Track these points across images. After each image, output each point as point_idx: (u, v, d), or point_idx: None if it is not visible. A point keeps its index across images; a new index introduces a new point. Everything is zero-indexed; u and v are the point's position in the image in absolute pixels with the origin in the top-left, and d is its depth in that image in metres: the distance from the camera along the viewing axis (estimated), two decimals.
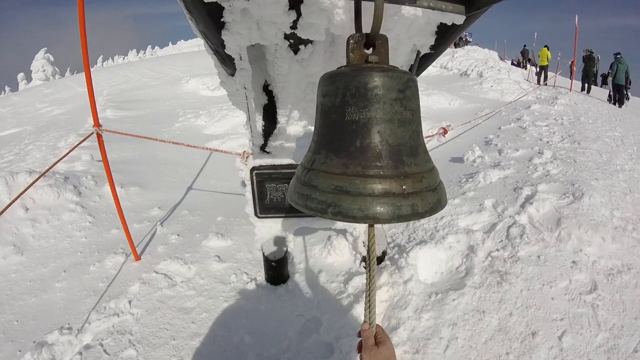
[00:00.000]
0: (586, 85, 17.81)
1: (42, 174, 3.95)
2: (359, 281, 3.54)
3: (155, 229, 5.02)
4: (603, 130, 8.52)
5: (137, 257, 4.28)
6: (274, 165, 3.13)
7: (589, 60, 18.48)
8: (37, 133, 11.42)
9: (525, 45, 27.84)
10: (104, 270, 4.18)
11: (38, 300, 3.83)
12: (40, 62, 45.49)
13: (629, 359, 2.61)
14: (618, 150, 6.72)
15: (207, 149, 4.16)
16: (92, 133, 3.82)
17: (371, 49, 1.05)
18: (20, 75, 48.36)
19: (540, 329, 2.85)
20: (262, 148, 3.17)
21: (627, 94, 15.52)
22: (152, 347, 3.11)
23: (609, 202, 4.31)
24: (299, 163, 1.14)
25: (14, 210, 4.90)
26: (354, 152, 0.96)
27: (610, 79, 15.77)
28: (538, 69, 20.44)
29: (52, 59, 46.35)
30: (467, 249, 3.76)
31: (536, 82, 19.06)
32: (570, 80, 17.96)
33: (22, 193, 3.62)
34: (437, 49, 2.23)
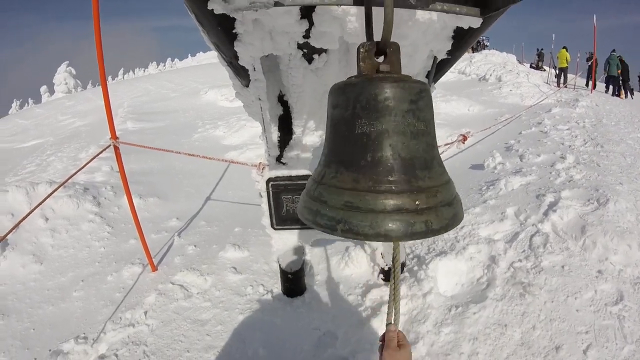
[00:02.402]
0: (590, 82, 18.68)
1: (60, 185, 3.99)
2: (377, 294, 3.47)
3: (173, 239, 5.04)
4: (626, 132, 8.33)
5: (154, 268, 4.29)
6: (290, 176, 3.09)
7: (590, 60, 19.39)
8: (59, 144, 11.64)
9: (538, 49, 27.90)
10: (121, 280, 4.20)
11: (56, 309, 3.87)
12: (63, 75, 46.37)
13: None
14: None
15: (222, 160, 4.13)
16: (109, 145, 3.85)
17: (382, 57, 1.01)
18: (43, 88, 49.37)
19: (565, 342, 2.75)
20: (278, 159, 3.13)
21: (629, 87, 17.79)
22: (166, 359, 3.09)
23: (634, 207, 4.18)
24: (310, 177, 1.11)
25: (33, 220, 4.98)
26: (365, 167, 0.92)
27: (604, 74, 18.10)
28: (557, 71, 20.10)
29: (74, 72, 47.23)
30: (489, 260, 3.66)
31: (556, 85, 18.73)
32: (592, 82, 17.68)
33: (39, 204, 3.67)
34: (454, 54, 2.18)
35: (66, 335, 3.47)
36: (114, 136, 3.80)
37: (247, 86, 2.49)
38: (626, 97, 17.32)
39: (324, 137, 3.15)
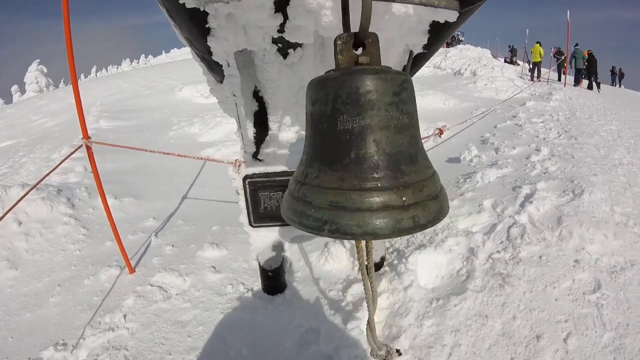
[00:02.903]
0: (561, 75, 19.66)
1: (32, 187, 3.88)
2: (358, 288, 3.47)
3: (150, 240, 4.94)
4: (599, 124, 8.51)
5: (132, 270, 4.20)
6: (267, 173, 3.06)
7: (559, 54, 20.37)
8: (31, 145, 11.33)
9: (509, 46, 29.35)
10: (98, 283, 4.10)
11: (33, 316, 3.75)
12: (34, 74, 45.33)
13: (636, 358, 2.55)
14: (615, 144, 6.68)
15: (198, 158, 4.09)
16: (81, 146, 3.75)
17: (361, 49, 0.99)
18: (14, 88, 48.21)
19: (545, 331, 2.78)
20: (255, 156, 3.10)
21: (597, 81, 18.74)
22: None
23: (609, 197, 4.25)
24: (291, 176, 1.09)
25: (7, 225, 4.83)
26: (350, 165, 0.90)
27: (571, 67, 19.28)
28: (531, 66, 20.51)
29: (45, 70, 46.22)
30: (468, 252, 3.69)
31: (530, 79, 19.09)
32: (564, 76, 18.10)
33: (11, 208, 3.56)
34: (430, 49, 2.18)
35: (45, 342, 3.37)
36: (85, 136, 3.70)
37: (222, 82, 2.44)
38: (590, 88, 18.06)
39: (300, 133, 3.13)
